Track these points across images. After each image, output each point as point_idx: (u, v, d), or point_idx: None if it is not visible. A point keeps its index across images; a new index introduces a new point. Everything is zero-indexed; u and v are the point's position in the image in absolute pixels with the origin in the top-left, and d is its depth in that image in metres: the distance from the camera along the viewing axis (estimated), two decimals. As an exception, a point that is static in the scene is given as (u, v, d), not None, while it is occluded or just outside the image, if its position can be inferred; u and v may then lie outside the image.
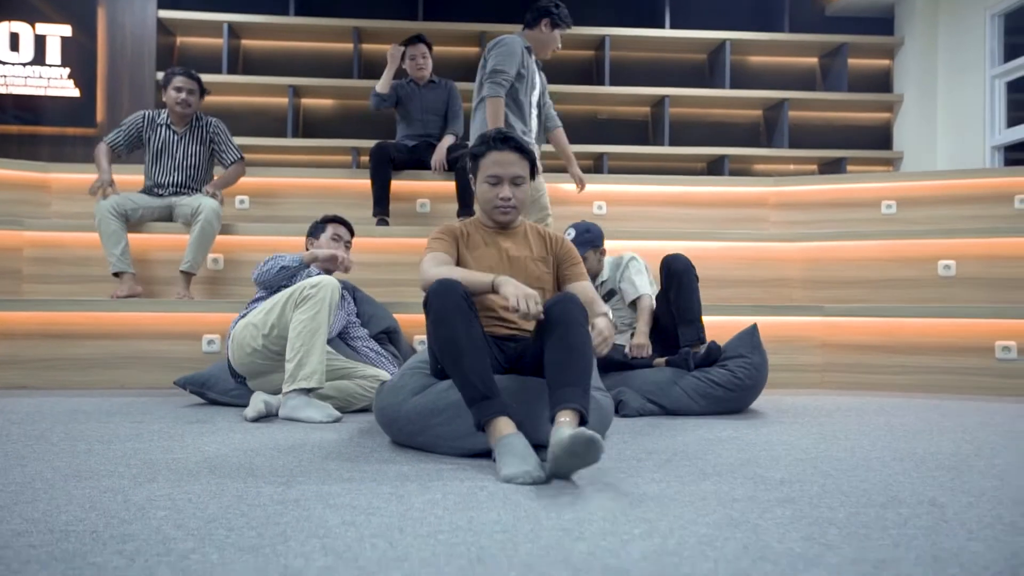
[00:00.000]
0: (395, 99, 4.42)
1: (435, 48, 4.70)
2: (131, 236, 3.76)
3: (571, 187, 4.32)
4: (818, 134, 6.45)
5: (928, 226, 4.46)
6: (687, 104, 6.24)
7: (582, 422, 1.73)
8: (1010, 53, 5.48)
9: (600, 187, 4.71)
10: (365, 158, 5.52)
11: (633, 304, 3.12)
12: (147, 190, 3.93)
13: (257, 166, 5.30)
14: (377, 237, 4.01)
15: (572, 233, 3.15)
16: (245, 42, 6.20)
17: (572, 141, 4.45)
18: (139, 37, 5.78)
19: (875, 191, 4.65)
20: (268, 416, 2.58)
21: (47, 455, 1.88)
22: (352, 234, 3.24)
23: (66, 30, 5.70)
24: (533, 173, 2.22)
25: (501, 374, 2.04)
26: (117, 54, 5.77)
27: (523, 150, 2.16)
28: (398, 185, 4.44)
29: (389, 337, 3.21)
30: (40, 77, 5.68)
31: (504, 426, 1.74)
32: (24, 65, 5.67)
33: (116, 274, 3.65)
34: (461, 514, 1.37)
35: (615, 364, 2.96)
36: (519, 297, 1.82)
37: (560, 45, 3.80)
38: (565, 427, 1.65)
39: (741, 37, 6.12)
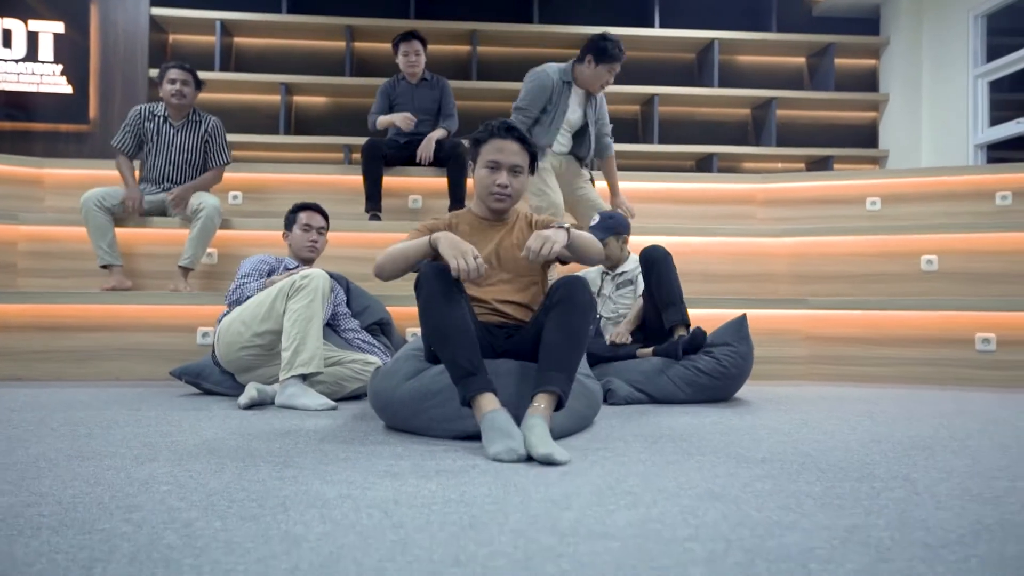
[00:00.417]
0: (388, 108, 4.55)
1: (427, 46, 4.74)
2: (120, 230, 3.79)
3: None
4: (805, 133, 6.54)
5: (911, 222, 4.54)
6: (676, 103, 6.32)
7: (559, 406, 1.84)
8: (992, 53, 5.58)
9: (590, 183, 4.77)
10: (357, 155, 5.56)
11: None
12: (141, 182, 3.96)
13: (250, 162, 5.34)
14: (370, 232, 4.06)
15: (596, 219, 3.22)
16: (237, 40, 6.23)
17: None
18: (132, 34, 5.81)
19: (860, 188, 4.73)
20: (262, 404, 2.63)
21: (48, 438, 1.93)
22: (327, 219, 3.23)
23: (59, 27, 5.72)
24: (532, 168, 2.25)
25: (494, 358, 2.10)
26: (110, 51, 5.80)
27: (525, 141, 2.20)
28: (390, 181, 4.49)
29: (382, 328, 3.27)
30: (33, 74, 5.70)
31: (487, 402, 1.81)
32: (17, 62, 5.69)
33: (105, 267, 3.69)
34: (453, 488, 1.43)
35: (603, 358, 3.01)
36: (457, 258, 1.88)
37: (609, 80, 3.82)
38: (537, 419, 1.76)
39: (730, 37, 6.21)
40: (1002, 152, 5.58)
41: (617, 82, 6.24)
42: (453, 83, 4.91)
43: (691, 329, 2.87)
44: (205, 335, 3.51)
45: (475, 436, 1.96)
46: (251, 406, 2.57)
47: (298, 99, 6.24)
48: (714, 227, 4.39)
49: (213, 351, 2.90)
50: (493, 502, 1.32)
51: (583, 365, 2.31)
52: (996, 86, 5.58)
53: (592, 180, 4.11)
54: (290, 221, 3.18)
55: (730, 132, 6.56)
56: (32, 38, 5.70)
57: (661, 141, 6.21)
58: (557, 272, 3.63)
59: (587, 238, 2.13)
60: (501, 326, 2.19)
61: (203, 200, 3.73)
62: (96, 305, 3.52)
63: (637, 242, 4.06)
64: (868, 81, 6.58)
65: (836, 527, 1.19)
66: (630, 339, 3.02)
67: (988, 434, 2.15)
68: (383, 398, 2.12)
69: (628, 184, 4.84)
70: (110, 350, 3.52)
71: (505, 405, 1.83)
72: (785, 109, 6.40)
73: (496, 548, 1.07)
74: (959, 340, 3.67)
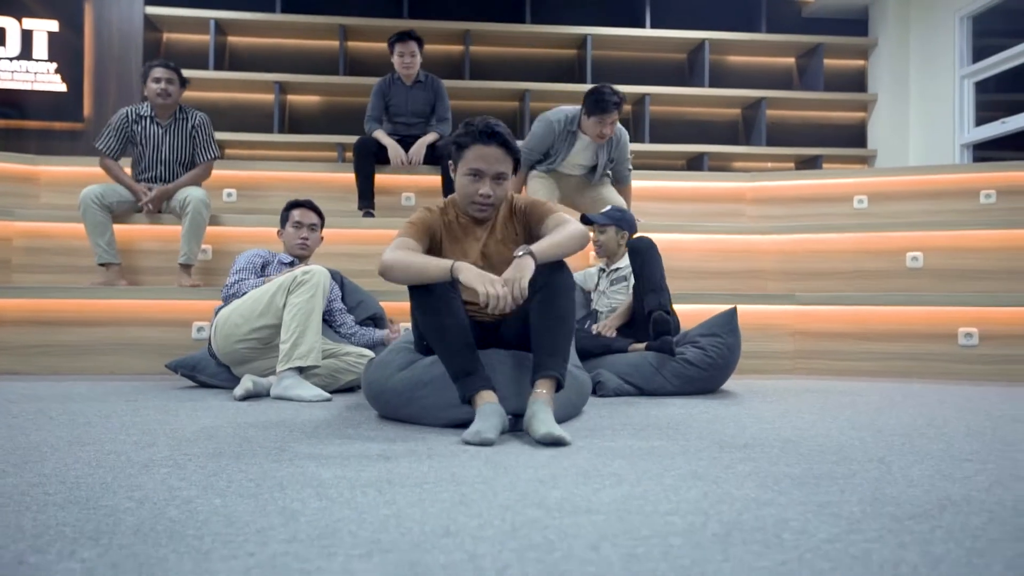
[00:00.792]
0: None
1: (423, 47, 4.78)
2: (117, 227, 3.82)
3: None
4: (795, 132, 6.61)
5: (897, 220, 4.61)
6: (667, 102, 6.39)
7: (558, 388, 1.92)
8: (978, 54, 5.66)
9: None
10: (350, 154, 5.60)
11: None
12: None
13: (243, 160, 5.37)
14: (364, 228, 4.10)
15: (608, 209, 3.33)
16: (231, 38, 6.27)
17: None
18: (126, 33, 5.84)
19: (847, 187, 4.80)
20: (257, 396, 2.67)
21: (48, 427, 1.97)
22: (321, 216, 3.21)
23: (53, 25, 5.74)
24: (515, 169, 2.15)
25: (484, 348, 2.15)
26: (104, 50, 5.83)
27: (509, 146, 2.08)
28: (383, 179, 4.53)
29: (376, 323, 3.32)
30: (27, 72, 5.72)
31: (482, 398, 1.89)
32: (11, 60, 5.71)
33: (103, 265, 3.71)
34: (445, 470, 1.48)
35: (595, 353, 3.05)
36: (488, 295, 1.80)
37: (605, 131, 3.87)
38: (540, 404, 1.83)
39: (720, 37, 6.28)
40: (987, 151, 5.67)
41: (608, 82, 6.28)
42: (446, 82, 4.95)
43: (670, 316, 2.92)
44: (200, 330, 3.55)
45: (466, 424, 2.01)
46: (247, 397, 2.62)
47: (292, 98, 6.28)
48: (704, 225, 4.45)
49: (209, 344, 2.94)
50: (483, 481, 1.37)
51: (572, 356, 2.36)
52: (982, 87, 5.66)
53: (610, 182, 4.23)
54: (284, 218, 3.20)
55: (720, 132, 6.63)
56: (26, 36, 5.72)
57: (652, 140, 6.27)
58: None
59: (556, 241, 1.98)
60: (492, 322, 2.23)
61: (189, 193, 3.73)
62: (91, 300, 3.56)
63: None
64: (856, 81, 6.66)
65: (810, 502, 1.24)
66: (614, 333, 3.07)
67: (965, 422, 2.21)
68: (376, 388, 2.17)
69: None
70: (106, 345, 3.55)
71: (502, 395, 1.90)
72: (775, 109, 6.48)
73: (485, 520, 1.12)
74: (943, 335, 3.74)
